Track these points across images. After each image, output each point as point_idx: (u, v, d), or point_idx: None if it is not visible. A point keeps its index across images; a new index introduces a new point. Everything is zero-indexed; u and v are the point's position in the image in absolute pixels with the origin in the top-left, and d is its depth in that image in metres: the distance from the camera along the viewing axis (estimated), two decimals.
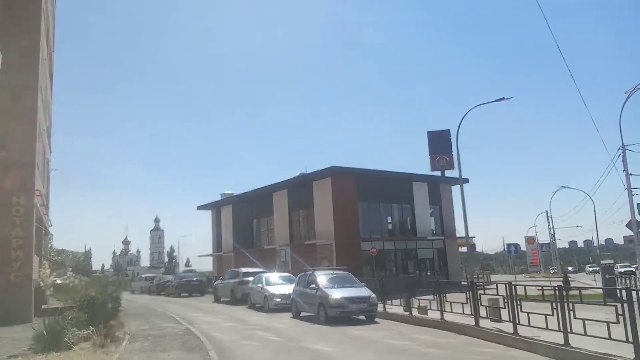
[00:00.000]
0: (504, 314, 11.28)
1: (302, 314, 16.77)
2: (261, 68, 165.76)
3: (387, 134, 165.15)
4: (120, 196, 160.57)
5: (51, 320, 10.65)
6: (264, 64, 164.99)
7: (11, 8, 16.55)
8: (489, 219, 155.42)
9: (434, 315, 13.85)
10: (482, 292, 12.87)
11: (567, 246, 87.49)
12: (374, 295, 15.24)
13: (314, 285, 15.68)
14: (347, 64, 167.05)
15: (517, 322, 10.45)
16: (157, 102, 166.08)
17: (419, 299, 14.70)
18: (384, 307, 16.00)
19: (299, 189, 35.20)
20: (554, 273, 54.39)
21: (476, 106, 14.76)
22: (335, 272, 16.80)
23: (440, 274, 35.61)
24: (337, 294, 14.83)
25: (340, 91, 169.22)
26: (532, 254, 59.67)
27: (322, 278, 15.90)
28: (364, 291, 15.32)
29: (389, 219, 35.92)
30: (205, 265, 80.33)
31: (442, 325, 12.96)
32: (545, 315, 9.58)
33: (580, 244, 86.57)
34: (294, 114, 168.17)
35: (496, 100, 14.59)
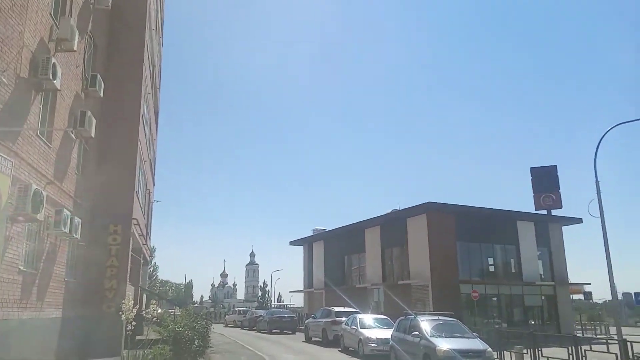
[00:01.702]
0: None
1: None
2: (352, 100, 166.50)
3: (486, 171, 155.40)
4: (219, 230, 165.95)
5: (131, 356, 9.43)
6: (355, 97, 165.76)
7: (115, 41, 16.65)
8: (600, 263, 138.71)
9: None
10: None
11: None
12: (490, 349, 12.54)
13: (417, 332, 13.33)
14: (443, 96, 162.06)
15: None
16: (251, 136, 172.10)
17: (547, 357, 11.78)
18: None
19: (392, 225, 32.88)
20: None
21: (617, 125, 12.00)
22: (441, 318, 14.31)
23: (550, 324, 31.12)
24: (445, 344, 12.36)
25: (434, 124, 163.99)
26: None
27: (426, 324, 13.51)
28: (477, 343, 12.69)
29: (490, 261, 32.28)
30: (296, 300, 79.32)
31: None
32: None
33: None
34: (387, 149, 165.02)
35: None
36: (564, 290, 32.61)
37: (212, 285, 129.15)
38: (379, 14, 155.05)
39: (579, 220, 33.90)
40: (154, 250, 73.60)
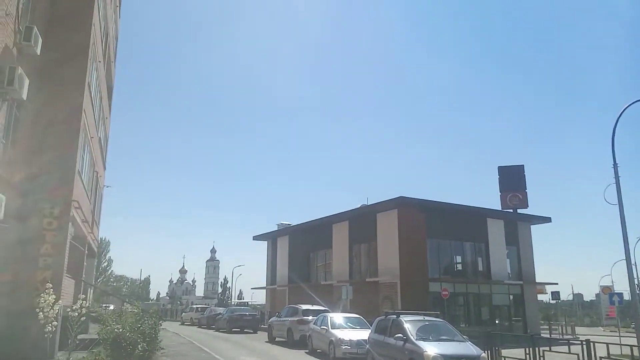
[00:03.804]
0: None
1: None
2: (323, 97, 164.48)
3: (456, 169, 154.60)
4: (180, 225, 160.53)
5: None
6: (326, 93, 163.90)
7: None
8: (566, 263, 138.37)
9: None
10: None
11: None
12: (484, 355, 10.93)
13: (400, 335, 11.54)
14: (415, 95, 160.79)
15: None
16: (215, 128, 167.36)
17: None
18: None
19: (361, 220, 31.23)
20: None
21: (635, 102, 10.66)
22: (427, 318, 12.58)
23: (516, 323, 30.24)
24: (433, 349, 10.63)
25: (403, 123, 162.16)
26: (609, 305, 52.41)
27: (411, 325, 11.74)
28: (469, 348, 11.01)
29: (459, 259, 31.15)
30: (258, 297, 76.59)
31: None
32: None
33: None
34: (356, 143, 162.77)
35: None
36: (531, 290, 31.85)
37: (170, 281, 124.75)
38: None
39: (547, 220, 33.27)
40: (108, 244, 69.48)
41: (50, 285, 7.24)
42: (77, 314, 7.52)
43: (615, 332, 43.36)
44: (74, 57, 14.01)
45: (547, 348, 10.20)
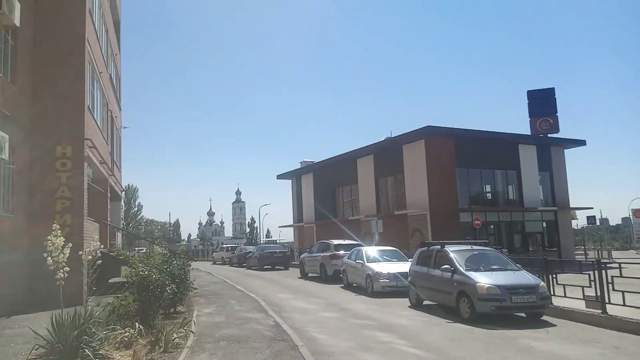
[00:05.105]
0: None
1: (425, 301, 11.68)
2: (344, 26, 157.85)
3: (484, 93, 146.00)
4: (204, 168, 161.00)
5: (65, 318, 6.31)
6: (346, 20, 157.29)
7: None
8: (591, 188, 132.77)
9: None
10: None
11: None
12: (543, 284, 9.77)
13: (447, 266, 10.43)
14: (438, 17, 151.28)
15: None
16: (235, 72, 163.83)
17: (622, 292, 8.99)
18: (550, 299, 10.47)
19: (387, 153, 29.77)
20: None
21: None
22: (475, 247, 11.41)
23: (552, 250, 29.14)
24: (486, 279, 9.51)
25: (429, 46, 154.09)
26: None
27: (458, 255, 10.60)
28: (526, 277, 9.86)
29: (489, 188, 29.74)
30: (286, 235, 77.35)
31: None
32: None
33: None
34: (380, 74, 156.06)
35: None
36: (565, 216, 30.46)
37: (200, 223, 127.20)
38: None
39: (582, 143, 31.30)
40: (137, 190, 70.02)
41: (58, 226, 6.15)
42: (90, 257, 6.52)
43: None
44: None
45: (618, 273, 8.96)
